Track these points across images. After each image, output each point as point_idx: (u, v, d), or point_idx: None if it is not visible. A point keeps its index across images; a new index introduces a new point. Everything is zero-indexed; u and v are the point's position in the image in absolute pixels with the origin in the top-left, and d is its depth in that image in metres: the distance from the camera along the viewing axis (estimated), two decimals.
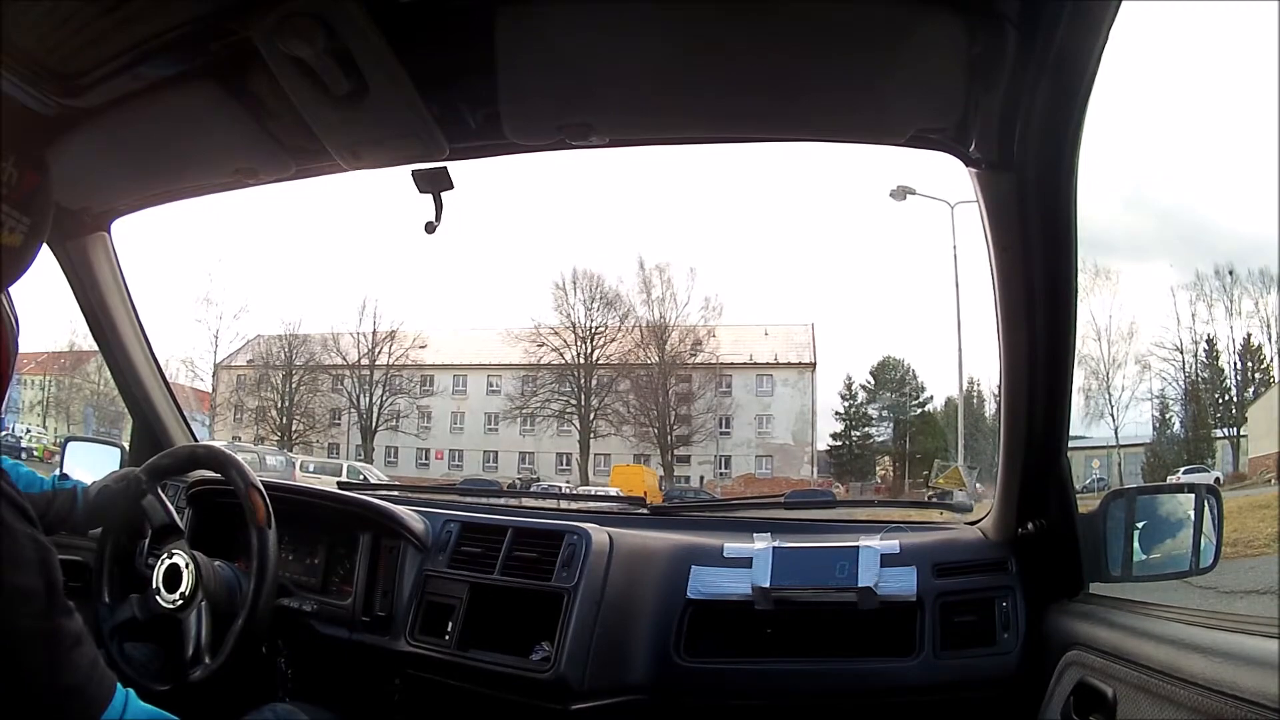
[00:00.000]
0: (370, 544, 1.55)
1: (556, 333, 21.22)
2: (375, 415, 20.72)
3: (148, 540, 1.45)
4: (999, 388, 1.27)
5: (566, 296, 21.51)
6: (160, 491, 1.47)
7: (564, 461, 20.81)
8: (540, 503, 2.19)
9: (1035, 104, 0.95)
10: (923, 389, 22.12)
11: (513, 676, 1.36)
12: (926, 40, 0.90)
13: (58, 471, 1.40)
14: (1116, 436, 16.59)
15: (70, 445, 1.86)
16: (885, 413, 22.19)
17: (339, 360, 20.81)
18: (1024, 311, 1.16)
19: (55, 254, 1.60)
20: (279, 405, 20.80)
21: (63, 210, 1.45)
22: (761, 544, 1.43)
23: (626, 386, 21.13)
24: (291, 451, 18.32)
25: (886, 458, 21.73)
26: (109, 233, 1.62)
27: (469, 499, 2.01)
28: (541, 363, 21.16)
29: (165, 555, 1.37)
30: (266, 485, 1.42)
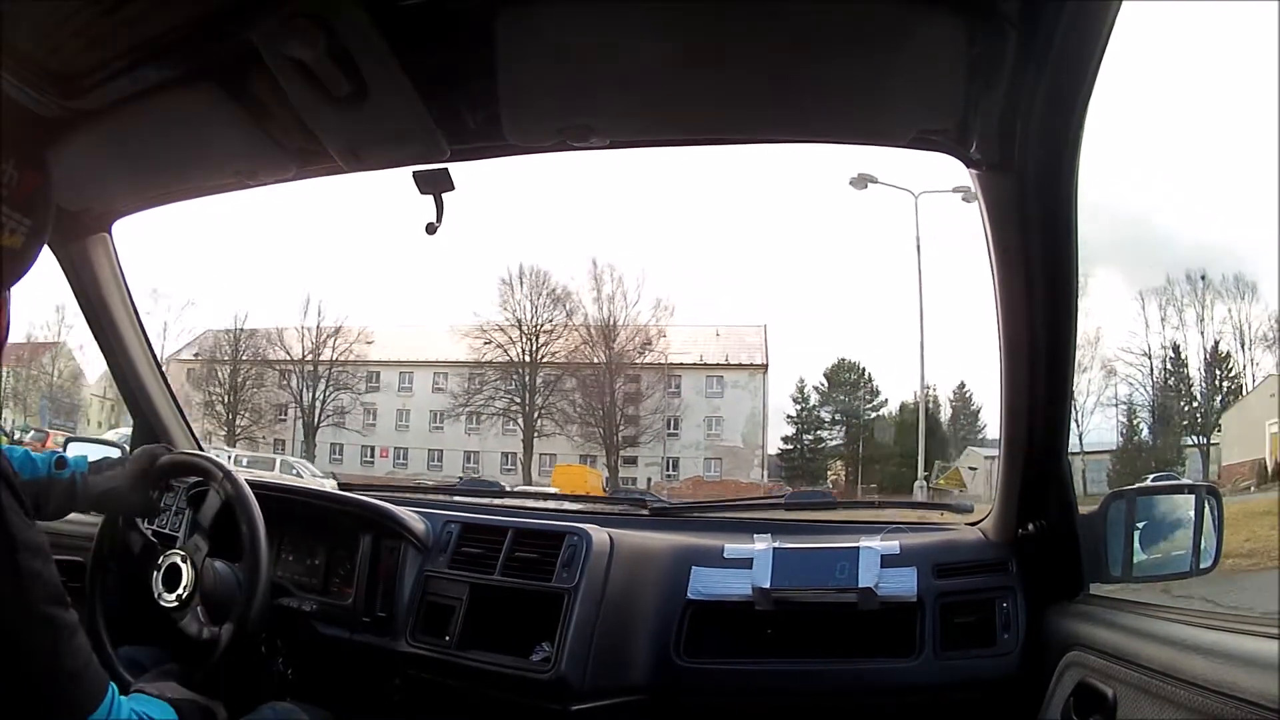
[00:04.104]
0: (371, 544, 1.55)
1: (502, 329, 20.86)
2: (318, 411, 20.40)
3: (147, 539, 1.45)
4: (999, 388, 1.28)
5: (513, 292, 21.20)
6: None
7: (509, 461, 20.51)
8: (541, 503, 2.19)
9: (1035, 105, 0.94)
10: (877, 392, 22.06)
11: (513, 677, 1.36)
12: (927, 42, 0.90)
13: (56, 452, 1.37)
14: (1080, 443, 16.30)
15: (70, 445, 1.86)
16: (838, 416, 22.04)
17: (284, 355, 20.48)
18: (1024, 312, 1.16)
19: (56, 255, 1.60)
20: (225, 400, 20.57)
21: (64, 211, 1.45)
22: (762, 545, 1.43)
23: (573, 385, 20.80)
24: (235, 447, 18.09)
25: (839, 461, 21.59)
26: (110, 234, 1.62)
27: (469, 499, 2.01)
28: (485, 360, 20.83)
29: (164, 555, 1.37)
30: (267, 486, 1.42)
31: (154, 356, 1.83)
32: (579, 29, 0.92)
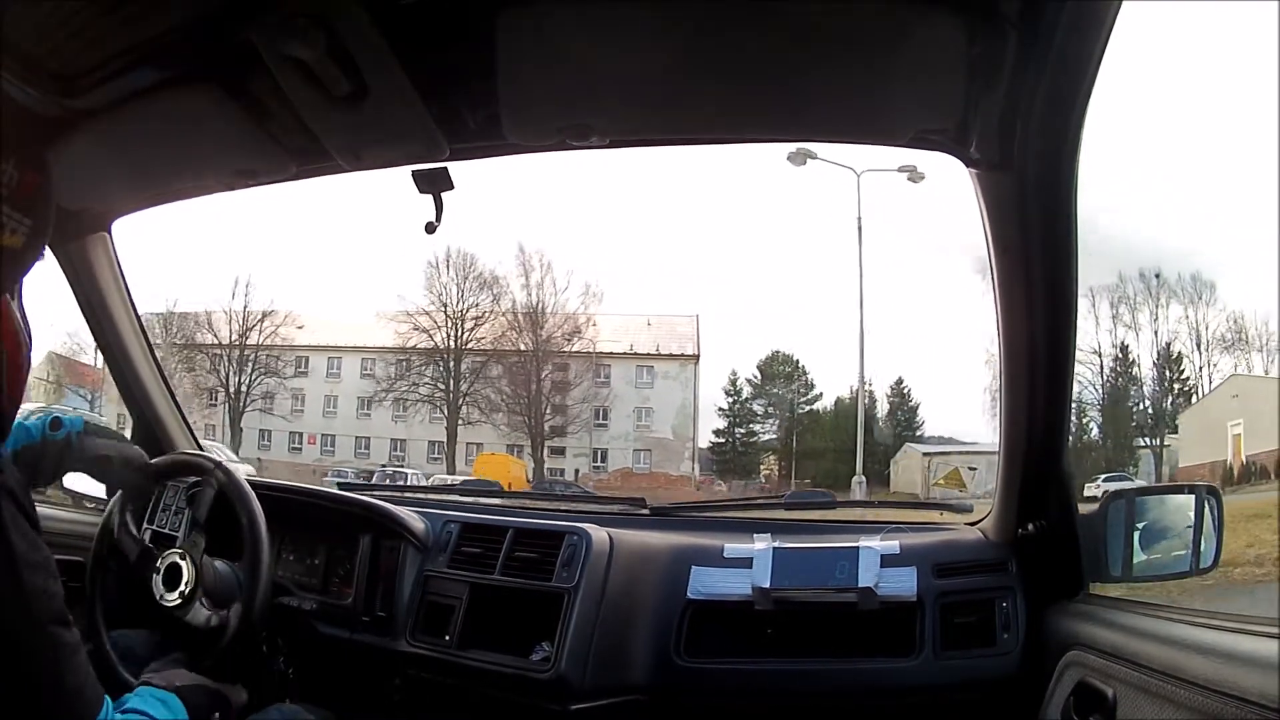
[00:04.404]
0: (371, 544, 1.55)
1: (427, 314, 20.04)
2: (244, 397, 19.58)
3: (144, 543, 1.45)
4: (999, 388, 1.28)
5: (439, 275, 20.24)
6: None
7: (436, 450, 19.84)
8: (540, 503, 2.20)
9: (1035, 104, 0.95)
10: (812, 385, 21.35)
11: (513, 676, 1.36)
12: (927, 41, 0.90)
13: (52, 413, 1.31)
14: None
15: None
16: (771, 409, 21.39)
17: (212, 339, 19.58)
18: (1024, 312, 1.16)
19: (56, 255, 1.60)
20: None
21: (63, 211, 1.44)
22: (761, 544, 1.43)
23: (499, 373, 20.09)
24: None
25: (772, 456, 21.02)
26: (109, 233, 1.62)
27: (469, 499, 2.01)
28: (409, 345, 20.03)
29: (164, 555, 1.37)
30: (267, 485, 1.42)
31: (153, 356, 1.83)
32: (579, 29, 0.92)
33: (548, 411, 19.89)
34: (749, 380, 21.72)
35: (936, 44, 0.90)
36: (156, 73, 1.04)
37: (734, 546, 1.46)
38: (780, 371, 21.66)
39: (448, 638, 1.43)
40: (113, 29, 0.96)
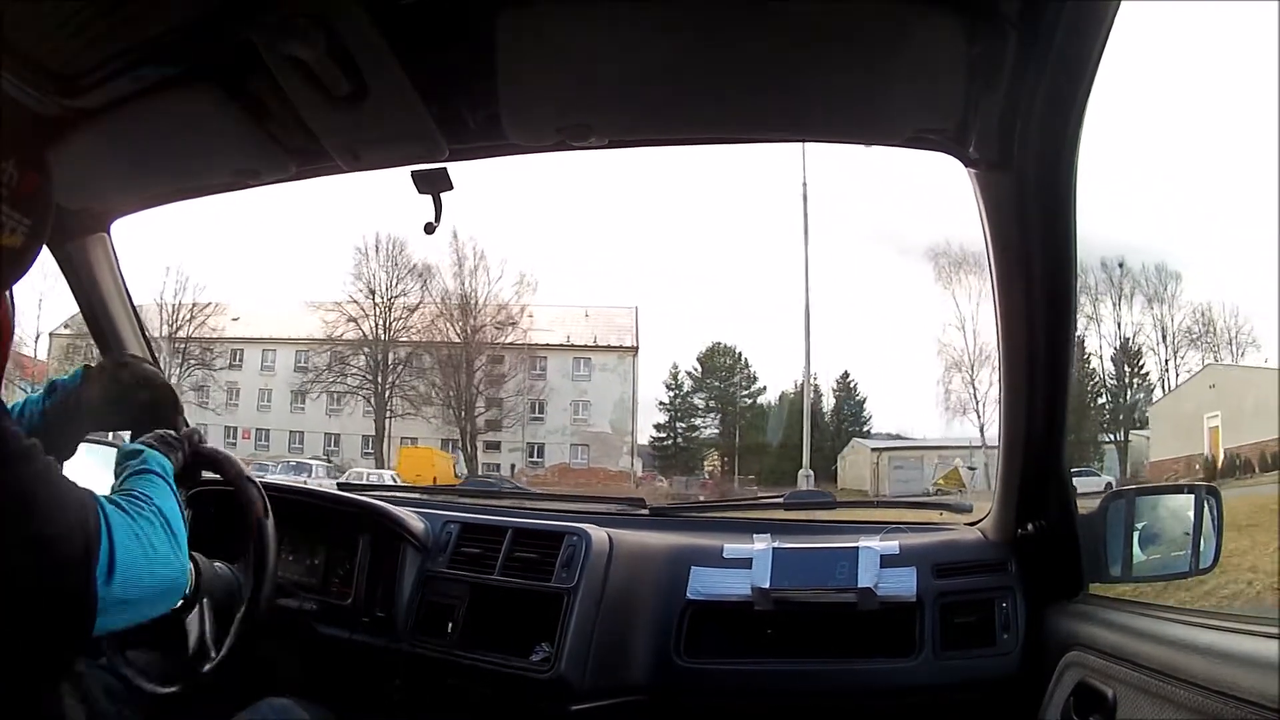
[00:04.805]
0: (370, 544, 1.55)
1: (355, 301, 19.45)
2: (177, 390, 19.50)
3: None
4: (999, 388, 1.28)
5: (366, 260, 19.58)
6: None
7: (369, 444, 19.31)
8: (540, 503, 2.19)
9: (1035, 104, 0.95)
10: (754, 379, 20.86)
11: (513, 677, 1.36)
12: (926, 41, 0.90)
13: (39, 388, 1.24)
14: (983, 435, 15.40)
15: None
16: (713, 403, 20.88)
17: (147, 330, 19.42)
18: (1024, 311, 1.16)
19: (55, 254, 1.59)
20: None
21: (63, 211, 1.44)
22: (761, 545, 1.43)
23: (430, 364, 19.43)
24: None
25: (715, 451, 20.60)
26: (109, 233, 1.61)
27: (468, 499, 2.01)
28: (337, 334, 19.33)
29: None
30: (268, 486, 1.42)
31: (153, 355, 1.83)
32: (579, 29, 0.92)
33: (481, 405, 19.29)
34: (689, 373, 21.30)
35: (936, 44, 0.90)
36: (156, 73, 1.04)
37: (733, 547, 1.46)
38: (721, 364, 21.24)
39: (447, 638, 1.43)
40: (113, 29, 0.96)
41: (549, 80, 1.00)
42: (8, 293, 0.88)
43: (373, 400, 19.46)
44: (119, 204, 1.54)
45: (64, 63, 1.02)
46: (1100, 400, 16.44)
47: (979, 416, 15.83)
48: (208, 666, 1.26)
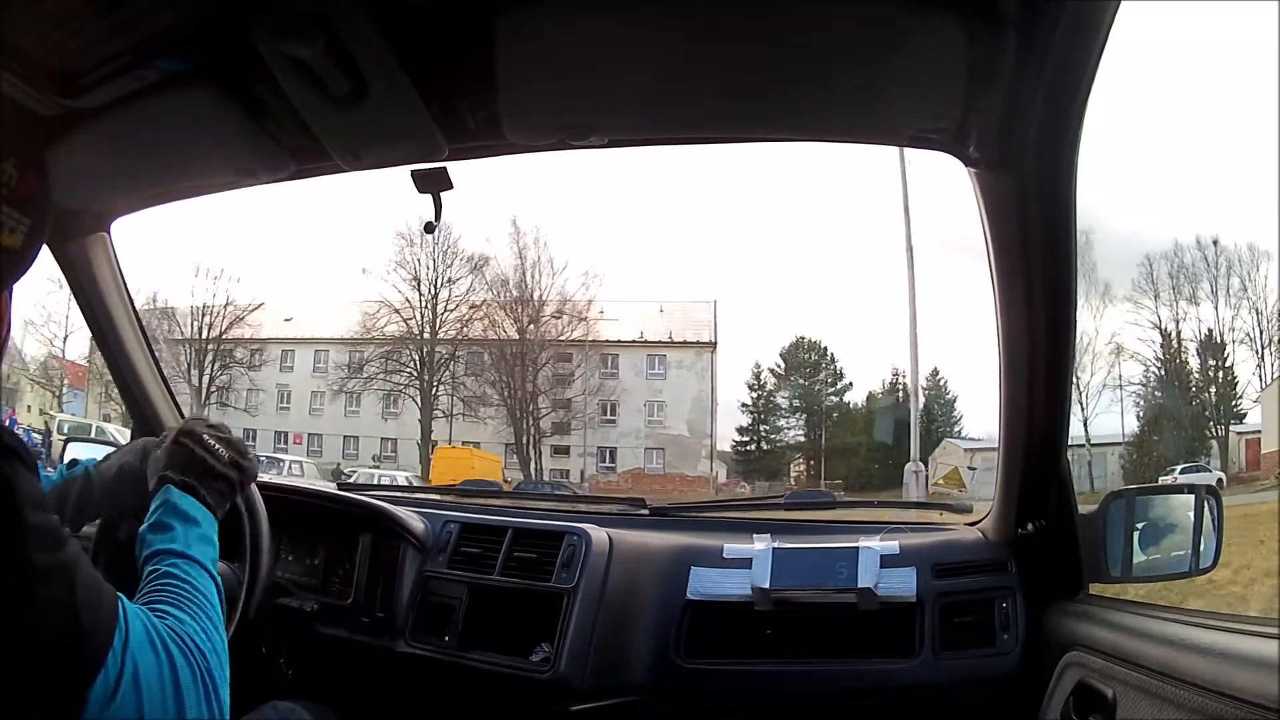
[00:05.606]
0: (370, 544, 1.55)
1: (397, 289, 18.05)
2: (204, 391, 17.93)
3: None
4: (999, 388, 1.28)
5: (410, 247, 17.99)
6: None
7: (390, 448, 18.13)
8: (540, 503, 2.20)
9: (1035, 104, 0.95)
10: (841, 375, 19.54)
11: (513, 677, 1.36)
12: (926, 41, 0.90)
13: (64, 461, 1.31)
14: (1086, 431, 14.37)
15: (70, 445, 1.86)
16: (797, 402, 19.53)
17: (187, 334, 17.93)
18: (1024, 311, 1.16)
19: (55, 255, 1.60)
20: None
21: (62, 211, 1.45)
22: (761, 545, 1.43)
23: (487, 361, 18.04)
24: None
25: (800, 454, 19.32)
26: (109, 233, 1.62)
27: (468, 499, 2.01)
28: (376, 330, 17.87)
29: None
30: (268, 486, 1.42)
31: (153, 355, 1.83)
32: (578, 28, 0.92)
33: (546, 405, 17.97)
34: (772, 370, 19.89)
35: (936, 44, 0.90)
36: (156, 73, 1.03)
37: (733, 547, 1.46)
38: (806, 360, 19.89)
39: (447, 638, 1.43)
40: (113, 29, 0.96)
41: (549, 80, 1.00)
42: (7, 292, 0.88)
43: (419, 400, 18.26)
44: (119, 204, 1.54)
45: (64, 63, 1.02)
46: (1211, 391, 15.12)
47: (1081, 410, 14.60)
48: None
